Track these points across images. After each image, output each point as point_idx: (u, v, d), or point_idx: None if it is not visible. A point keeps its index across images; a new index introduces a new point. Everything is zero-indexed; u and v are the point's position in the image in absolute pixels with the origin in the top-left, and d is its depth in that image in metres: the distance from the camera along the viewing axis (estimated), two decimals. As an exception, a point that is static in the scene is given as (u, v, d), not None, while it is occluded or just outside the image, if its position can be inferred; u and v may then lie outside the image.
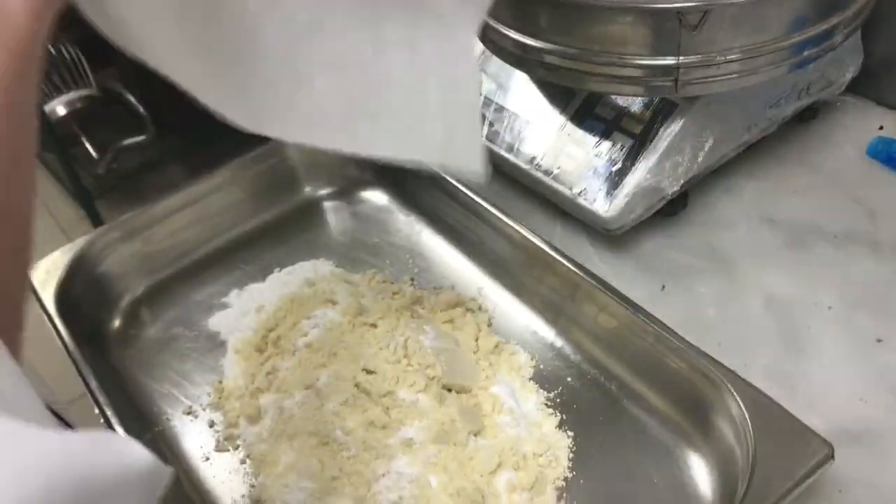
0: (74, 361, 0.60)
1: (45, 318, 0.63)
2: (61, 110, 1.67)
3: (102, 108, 1.69)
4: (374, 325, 0.62)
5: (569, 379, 0.60)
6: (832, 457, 0.47)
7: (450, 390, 0.58)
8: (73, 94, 1.74)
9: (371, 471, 0.54)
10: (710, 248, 0.67)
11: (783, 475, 0.46)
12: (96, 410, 0.57)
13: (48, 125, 1.49)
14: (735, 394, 0.50)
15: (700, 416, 0.53)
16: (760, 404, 0.49)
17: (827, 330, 0.59)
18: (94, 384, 0.58)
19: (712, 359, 0.52)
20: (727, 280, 0.64)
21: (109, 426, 0.56)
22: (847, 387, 0.56)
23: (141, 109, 1.65)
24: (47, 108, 1.69)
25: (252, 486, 0.57)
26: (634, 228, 0.66)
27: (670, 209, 0.68)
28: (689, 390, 0.54)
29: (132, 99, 1.67)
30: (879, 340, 0.57)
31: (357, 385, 0.57)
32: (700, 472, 0.53)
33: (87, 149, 1.58)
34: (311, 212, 0.77)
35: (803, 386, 0.56)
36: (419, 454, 0.53)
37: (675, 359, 0.54)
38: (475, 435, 0.55)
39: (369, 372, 0.57)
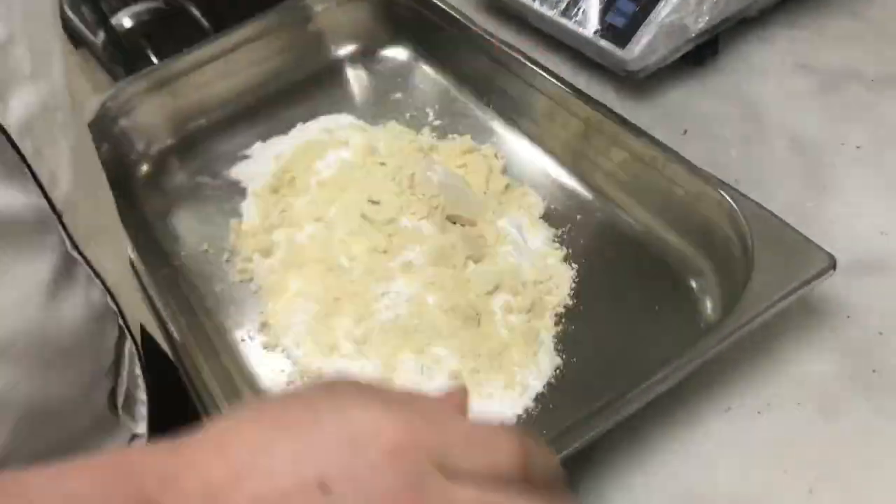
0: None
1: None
2: (127, 22, 1.71)
3: (167, 21, 1.73)
4: (383, 164, 0.62)
5: (579, 216, 0.59)
6: (833, 268, 0.45)
7: (454, 223, 0.58)
8: (139, 7, 1.79)
9: (371, 292, 0.54)
10: (739, 94, 0.64)
11: (782, 282, 0.44)
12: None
13: (114, 37, 1.53)
14: (736, 208, 0.48)
15: (704, 240, 0.52)
16: (763, 218, 0.47)
17: (852, 168, 0.56)
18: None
19: (718, 179, 0.50)
20: (753, 124, 0.61)
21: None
22: (868, 221, 0.53)
23: (204, 23, 1.68)
24: (114, 20, 1.74)
25: (261, 312, 0.58)
26: (660, 76, 0.64)
27: (698, 56, 0.65)
28: (693, 215, 0.52)
29: (196, 12, 1.71)
30: (908, 177, 0.54)
31: (363, 215, 0.57)
32: (702, 295, 0.51)
33: (152, 61, 1.62)
34: (334, 70, 0.77)
35: (821, 219, 0.53)
36: (417, 275, 0.54)
37: (680, 184, 0.52)
38: (475, 262, 0.55)
39: (374, 202, 0.57)
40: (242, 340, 0.57)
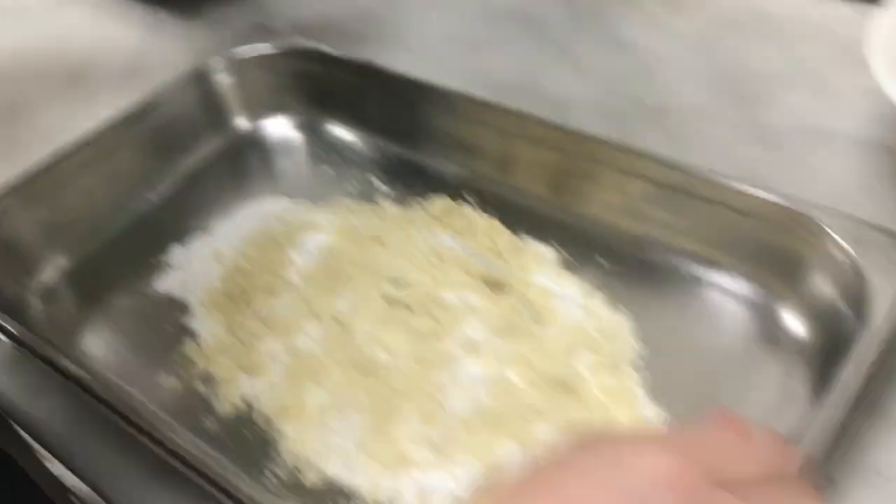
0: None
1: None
2: None
3: None
4: (379, 241, 0.54)
5: (598, 258, 0.55)
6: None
7: (490, 290, 0.51)
8: None
9: (433, 383, 0.46)
10: None
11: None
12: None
13: None
14: (828, 229, 0.46)
15: (767, 258, 0.50)
16: (852, 224, 0.46)
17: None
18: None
19: (779, 191, 0.49)
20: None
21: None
22: None
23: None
24: None
25: (281, 440, 0.47)
26: None
27: None
28: (748, 235, 0.51)
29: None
30: None
31: (387, 300, 0.48)
32: (786, 315, 0.49)
33: None
34: (244, 149, 0.66)
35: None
36: (488, 352, 0.46)
37: (731, 206, 0.50)
38: (536, 323, 0.49)
39: (395, 280, 0.49)
40: (269, 482, 0.46)
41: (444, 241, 0.52)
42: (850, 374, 0.40)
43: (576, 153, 0.55)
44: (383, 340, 0.47)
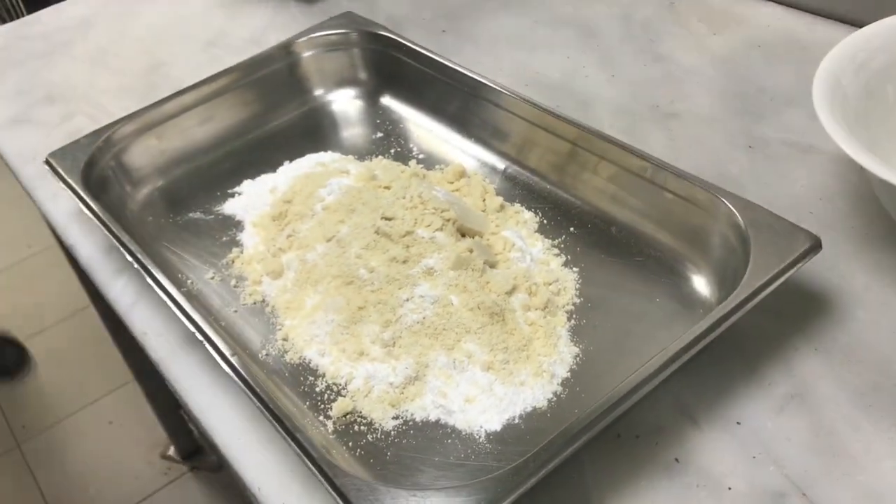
0: (110, 231, 0.62)
1: (77, 199, 0.66)
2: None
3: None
4: (387, 187, 0.66)
5: (571, 228, 0.64)
6: (820, 247, 0.52)
7: (463, 235, 0.62)
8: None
9: (395, 298, 0.57)
10: None
11: (775, 263, 0.51)
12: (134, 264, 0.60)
13: None
14: (728, 204, 0.55)
15: (696, 237, 0.58)
16: (751, 209, 0.54)
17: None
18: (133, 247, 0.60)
19: (702, 180, 0.57)
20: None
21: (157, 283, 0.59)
22: (825, 218, 0.61)
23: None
24: None
25: (279, 328, 0.60)
26: None
27: None
28: (683, 216, 0.59)
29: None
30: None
31: (377, 231, 0.61)
32: (700, 283, 0.57)
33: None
34: (317, 113, 0.81)
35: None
36: (440, 279, 0.57)
37: (670, 188, 0.59)
38: (490, 266, 0.59)
39: (388, 219, 0.61)
40: (262, 356, 0.59)
41: (438, 193, 0.64)
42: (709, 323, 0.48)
43: (576, 142, 0.65)
44: (367, 261, 0.60)
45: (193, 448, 1.52)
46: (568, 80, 0.80)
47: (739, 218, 0.54)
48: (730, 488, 0.47)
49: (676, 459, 0.49)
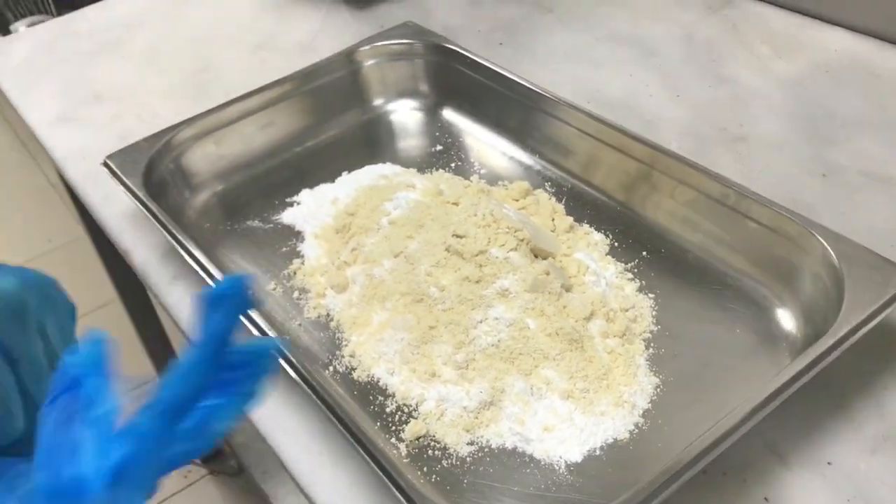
0: (173, 235, 0.61)
1: (138, 204, 0.65)
2: (23, 29, 1.77)
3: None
4: (455, 203, 0.64)
5: (644, 252, 0.63)
6: (918, 285, 0.51)
7: (536, 256, 0.61)
8: (35, 18, 1.93)
9: (468, 318, 0.56)
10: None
11: (871, 301, 0.49)
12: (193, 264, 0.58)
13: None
14: (820, 238, 0.53)
15: (780, 268, 0.57)
16: (846, 245, 0.53)
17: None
18: (194, 250, 0.59)
19: (792, 211, 0.56)
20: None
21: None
22: None
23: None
24: (11, 27, 1.94)
25: (346, 344, 0.59)
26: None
27: None
28: (768, 247, 0.57)
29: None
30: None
31: (448, 248, 0.59)
32: (784, 317, 0.56)
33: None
34: (378, 123, 0.80)
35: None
36: (515, 301, 0.56)
37: (754, 217, 0.57)
38: (566, 290, 0.58)
39: (459, 236, 0.60)
40: (330, 371, 0.57)
41: (508, 212, 0.62)
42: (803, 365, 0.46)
43: (649, 163, 0.64)
44: (437, 279, 0.58)
45: (213, 451, 1.50)
46: (631, 98, 0.79)
47: (832, 253, 0.52)
48: (825, 532, 0.45)
49: (766, 499, 0.47)
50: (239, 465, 1.49)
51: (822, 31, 0.84)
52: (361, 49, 0.78)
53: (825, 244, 0.53)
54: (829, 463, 0.49)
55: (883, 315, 0.49)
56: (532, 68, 0.84)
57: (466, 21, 0.93)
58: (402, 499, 0.44)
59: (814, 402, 0.51)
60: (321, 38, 0.93)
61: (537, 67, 0.84)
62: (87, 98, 0.88)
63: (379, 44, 0.78)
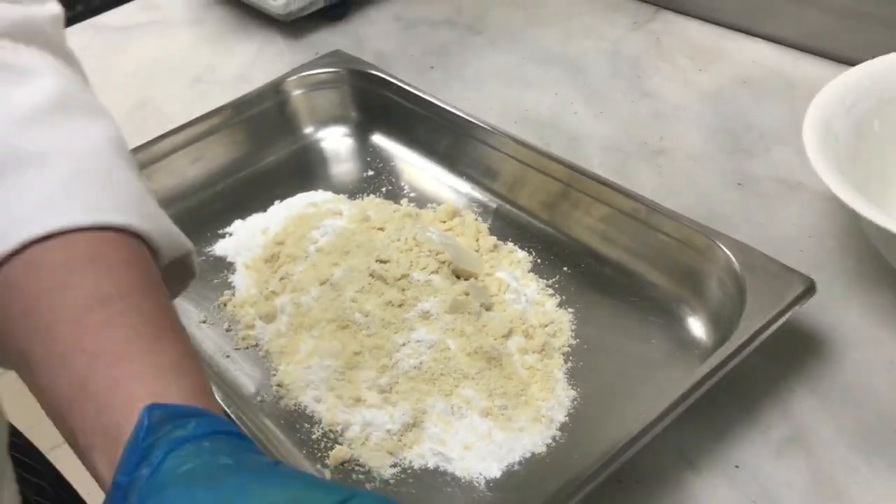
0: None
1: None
2: None
3: None
4: (381, 229, 0.66)
5: (565, 268, 0.65)
6: (814, 290, 0.52)
7: (458, 277, 0.62)
8: None
9: (391, 343, 0.57)
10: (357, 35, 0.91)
11: (771, 306, 0.51)
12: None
13: None
14: (724, 248, 0.55)
15: (691, 278, 0.58)
16: (747, 253, 0.55)
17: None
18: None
19: (697, 223, 0.58)
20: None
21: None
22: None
23: None
24: None
25: (274, 374, 0.60)
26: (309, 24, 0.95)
27: (334, 12, 0.96)
28: (678, 258, 0.59)
29: None
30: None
31: (372, 274, 0.60)
32: (695, 325, 0.58)
33: None
34: (308, 151, 0.81)
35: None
36: (436, 324, 0.57)
37: (665, 231, 0.59)
38: (486, 309, 0.59)
39: (382, 261, 0.61)
40: (257, 401, 0.58)
41: (432, 235, 0.64)
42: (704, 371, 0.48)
43: (568, 182, 0.65)
44: (362, 304, 0.59)
45: None
46: (557, 118, 0.81)
47: (735, 261, 0.54)
48: (731, 534, 0.47)
49: (675, 502, 0.49)
50: None
51: (741, 43, 0.86)
52: (289, 79, 0.80)
53: (728, 253, 0.55)
54: (736, 466, 0.50)
55: (783, 319, 0.51)
56: (462, 91, 0.86)
57: (399, 47, 0.94)
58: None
59: (723, 408, 0.53)
60: (257, 68, 0.94)
61: (467, 89, 0.86)
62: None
63: (306, 73, 0.80)
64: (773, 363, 0.55)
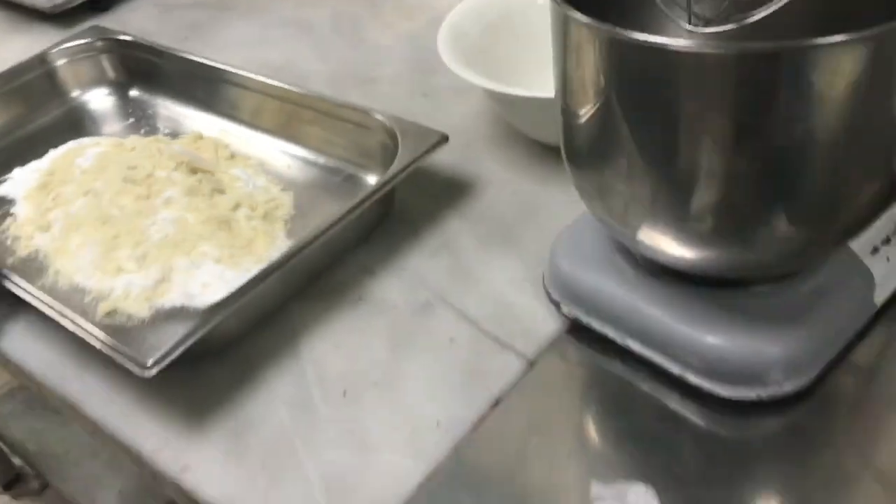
0: None
1: None
2: None
3: None
4: (133, 149, 0.81)
5: (289, 166, 0.82)
6: (447, 140, 0.72)
7: (195, 173, 0.78)
8: None
9: (142, 224, 0.73)
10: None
11: (416, 151, 0.71)
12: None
13: None
14: (382, 118, 0.74)
15: (366, 148, 0.77)
16: (400, 122, 0.74)
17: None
18: None
19: (361, 105, 0.77)
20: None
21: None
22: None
23: None
24: None
25: (51, 268, 0.73)
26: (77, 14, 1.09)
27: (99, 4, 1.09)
28: (357, 136, 0.78)
29: None
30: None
31: (124, 179, 0.76)
32: (372, 179, 0.77)
33: None
34: (77, 111, 0.95)
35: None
36: (176, 205, 0.73)
37: (347, 118, 0.78)
38: (219, 194, 0.76)
39: (132, 168, 0.76)
40: (38, 285, 0.72)
41: (174, 147, 0.80)
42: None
43: (295, 104, 0.83)
44: (118, 202, 0.74)
45: (13, 477, 1.55)
46: (290, 64, 0.98)
47: (392, 126, 0.73)
48: (395, 307, 0.66)
49: (360, 298, 0.67)
50: (41, 482, 1.55)
51: None
52: (52, 51, 0.94)
53: (385, 122, 0.74)
54: (403, 269, 0.69)
55: (423, 158, 0.70)
56: (213, 54, 1.02)
57: (158, 26, 1.09)
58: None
59: (396, 234, 0.72)
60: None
61: (216, 53, 1.02)
62: None
63: (67, 45, 0.94)
64: (434, 201, 0.74)
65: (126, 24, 1.09)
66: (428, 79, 0.92)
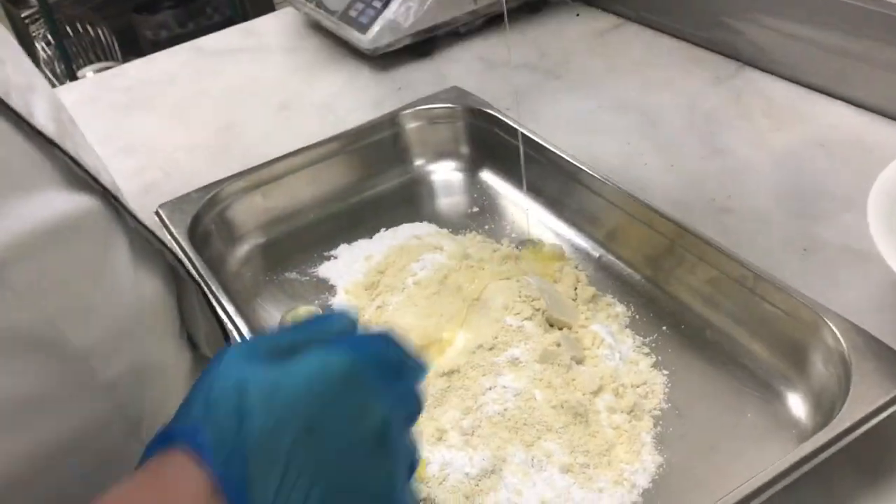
0: (202, 278, 0.64)
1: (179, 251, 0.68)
2: (90, 74, 1.90)
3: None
4: (480, 268, 0.66)
5: (664, 328, 0.63)
6: (926, 378, 0.49)
7: (552, 325, 0.62)
8: (102, 64, 2.18)
9: (478, 385, 0.57)
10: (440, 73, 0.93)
11: (877, 395, 0.49)
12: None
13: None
14: (831, 325, 0.53)
15: (794, 353, 0.56)
16: (857, 334, 0.52)
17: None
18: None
19: (806, 296, 0.55)
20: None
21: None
22: None
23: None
24: (79, 72, 2.14)
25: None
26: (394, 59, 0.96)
27: (419, 50, 0.97)
28: (782, 330, 0.57)
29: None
30: None
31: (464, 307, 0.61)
32: (794, 403, 0.55)
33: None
34: (418, 182, 0.82)
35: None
36: (524, 371, 0.57)
37: (770, 301, 0.57)
38: (577, 363, 0.59)
39: (475, 300, 0.61)
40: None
41: (530, 280, 0.63)
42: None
43: (673, 239, 0.64)
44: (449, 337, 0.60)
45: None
46: (626, 166, 0.79)
47: (842, 341, 0.52)
48: None
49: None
50: None
51: (820, 105, 0.82)
52: (404, 112, 0.81)
53: (836, 331, 0.52)
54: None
55: (890, 410, 0.48)
56: (541, 132, 0.85)
57: (479, 85, 0.92)
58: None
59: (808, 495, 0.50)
60: (341, 98, 0.95)
61: (544, 130, 0.85)
62: (120, 150, 0.92)
63: (422, 107, 0.81)
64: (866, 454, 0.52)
65: (445, 80, 0.95)
66: (809, 226, 0.69)
